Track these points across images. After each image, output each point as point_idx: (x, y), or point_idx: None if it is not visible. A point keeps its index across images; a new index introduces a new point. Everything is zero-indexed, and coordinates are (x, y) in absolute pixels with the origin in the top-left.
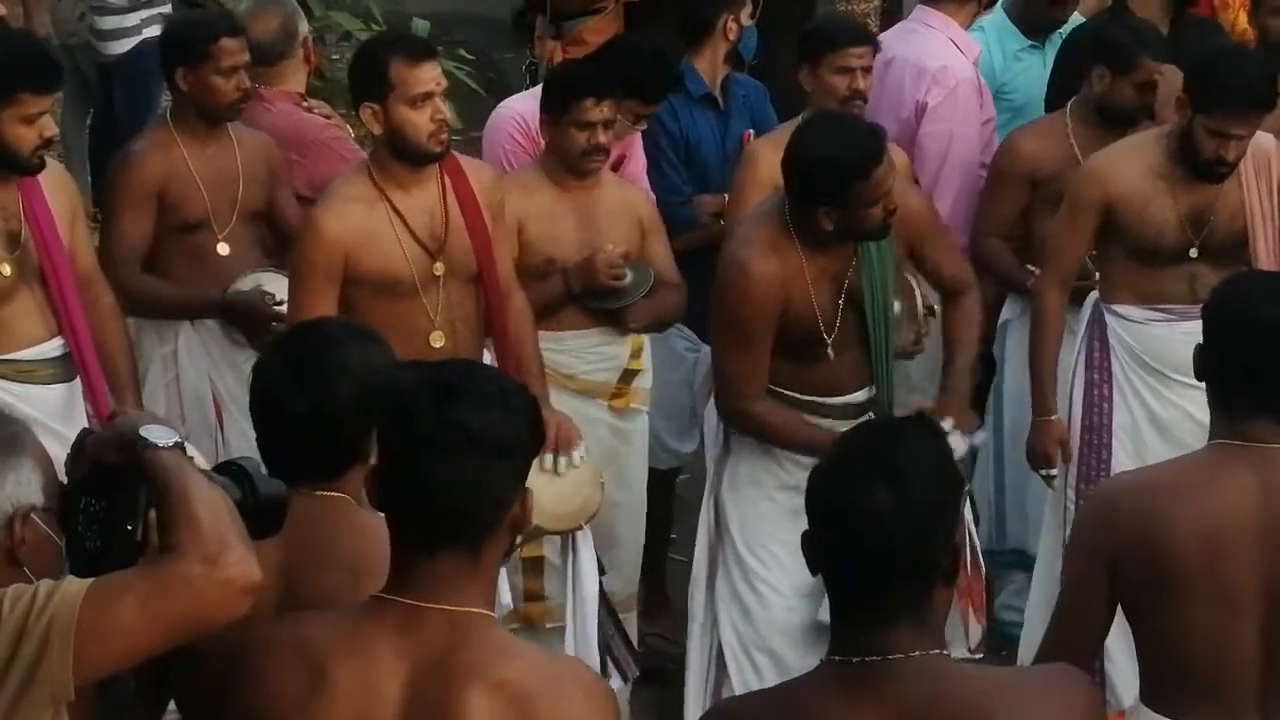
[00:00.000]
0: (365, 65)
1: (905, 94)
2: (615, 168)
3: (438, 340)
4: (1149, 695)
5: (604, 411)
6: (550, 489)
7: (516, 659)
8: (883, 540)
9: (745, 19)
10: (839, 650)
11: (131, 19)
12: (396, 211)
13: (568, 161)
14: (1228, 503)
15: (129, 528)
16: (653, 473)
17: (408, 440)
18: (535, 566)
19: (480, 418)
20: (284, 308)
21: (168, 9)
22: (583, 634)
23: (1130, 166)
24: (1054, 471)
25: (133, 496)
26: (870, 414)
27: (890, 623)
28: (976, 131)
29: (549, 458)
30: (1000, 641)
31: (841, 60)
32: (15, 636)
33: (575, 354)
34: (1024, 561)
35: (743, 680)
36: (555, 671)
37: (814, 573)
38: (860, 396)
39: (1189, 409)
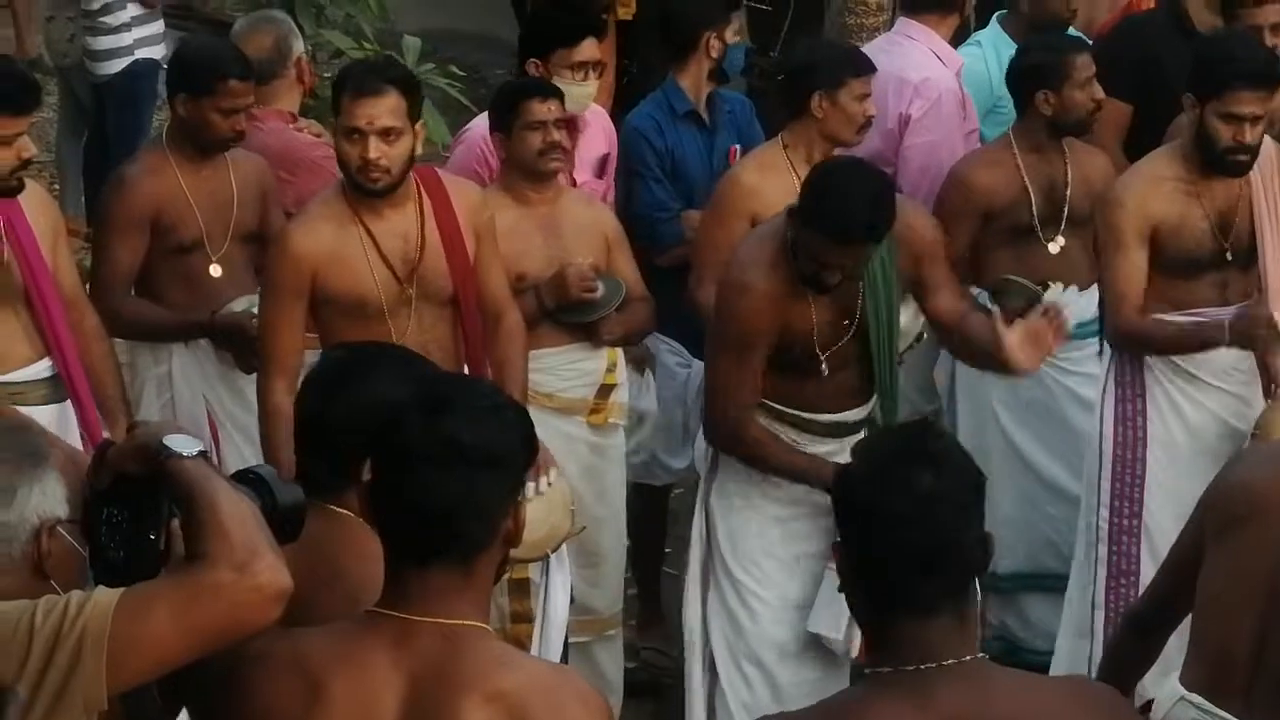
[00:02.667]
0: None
1: (888, 106)
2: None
3: None
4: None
5: (583, 429)
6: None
7: (513, 669)
8: (930, 522)
9: (730, 36)
10: (883, 659)
11: (125, 39)
12: (369, 233)
13: (528, 167)
14: None
15: (152, 537)
16: (646, 488)
17: (397, 453)
18: (521, 588)
19: (469, 431)
20: None
21: (161, 29)
22: (548, 656)
23: (1160, 187)
24: None
25: (155, 506)
26: (862, 432)
27: (932, 619)
28: (960, 143)
29: None
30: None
31: (862, 88)
32: (48, 647)
33: (553, 371)
34: (1033, 584)
35: (734, 692)
36: (552, 681)
37: (844, 586)
38: (852, 415)
39: (1219, 412)
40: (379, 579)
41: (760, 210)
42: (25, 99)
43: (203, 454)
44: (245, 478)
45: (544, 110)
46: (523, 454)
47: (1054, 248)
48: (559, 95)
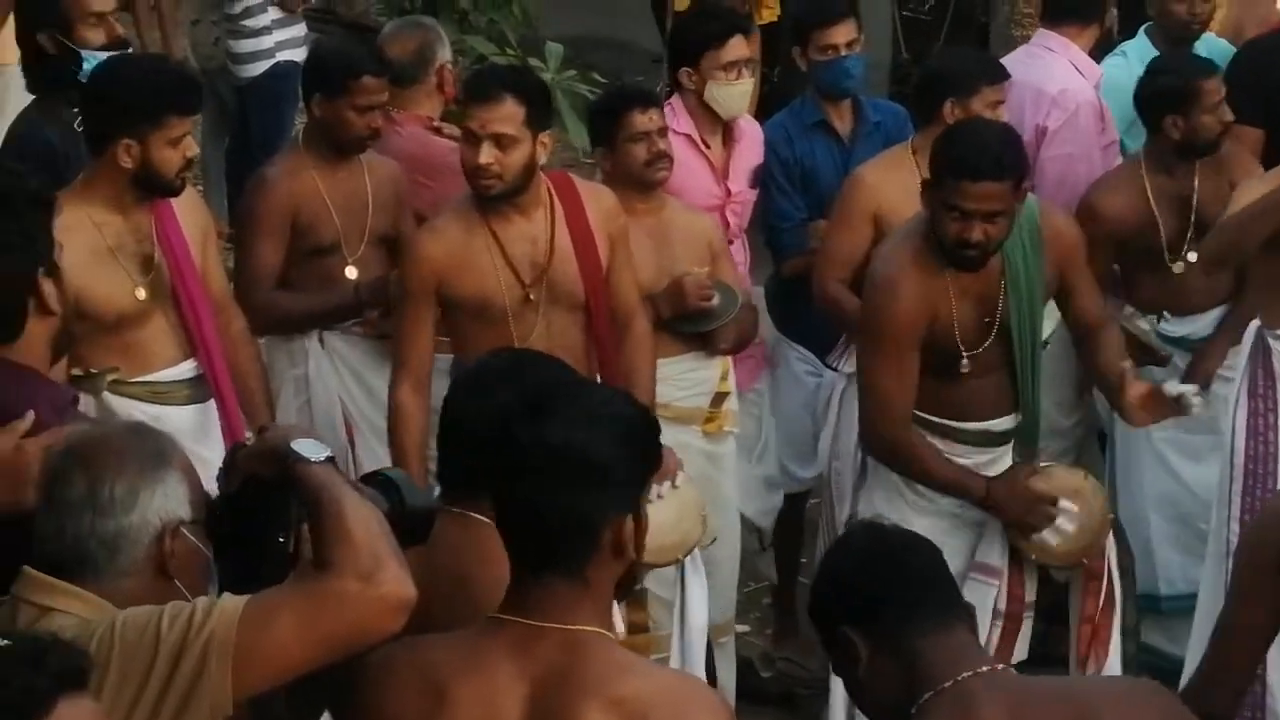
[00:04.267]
0: None
1: (1025, 117)
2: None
3: None
4: None
5: (697, 437)
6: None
7: (636, 676)
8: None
9: (843, 40)
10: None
11: (267, 42)
12: (495, 237)
13: (635, 179)
14: None
15: (280, 540)
16: (785, 497)
17: (506, 460)
18: (637, 599)
19: (572, 439)
20: None
21: (302, 32)
22: (691, 666)
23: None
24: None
25: (284, 509)
26: (1011, 443)
27: (953, 631)
28: (1098, 155)
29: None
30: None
31: (995, 95)
32: (175, 654)
33: (668, 380)
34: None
35: None
36: (676, 689)
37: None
38: (1001, 424)
39: None
40: (504, 585)
41: (884, 208)
42: (192, 100)
43: (331, 459)
44: (375, 480)
45: (646, 121)
46: (636, 464)
47: (1178, 268)
48: (659, 103)
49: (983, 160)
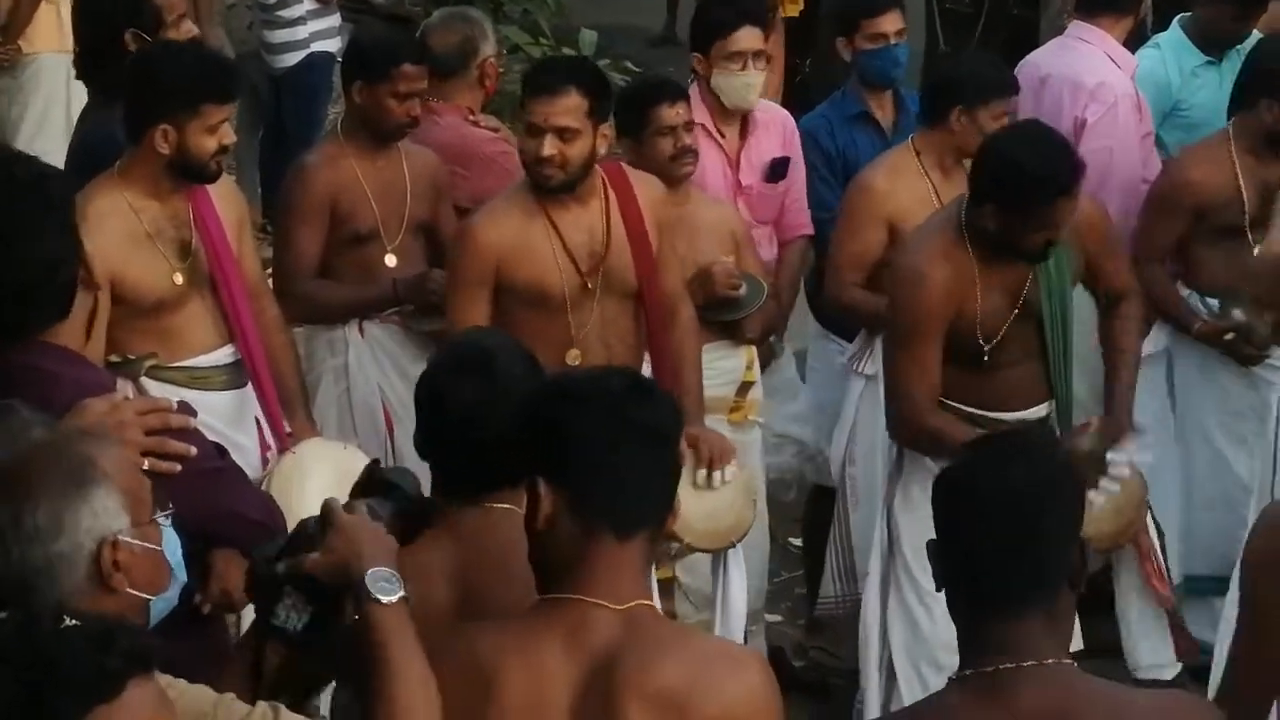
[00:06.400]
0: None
1: (1063, 111)
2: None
3: (573, 357)
4: None
5: (723, 427)
6: (701, 506)
7: (683, 650)
8: (1016, 513)
9: (891, 28)
10: (969, 662)
11: (301, 32)
12: (554, 226)
13: (659, 172)
14: None
15: (324, 632)
16: (816, 489)
17: (621, 429)
18: (666, 589)
19: (663, 412)
20: None
21: (337, 22)
22: None
23: None
24: None
25: (338, 610)
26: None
27: (1018, 619)
28: (1136, 147)
29: (702, 473)
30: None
31: (1003, 109)
32: None
33: None
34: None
35: (911, 694)
36: (724, 658)
37: (939, 587)
38: (1034, 413)
39: None
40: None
41: (896, 215)
42: (230, 88)
43: (404, 599)
44: (375, 481)
45: (673, 115)
46: (679, 436)
47: (1259, 250)
48: (686, 97)
49: (1068, 179)
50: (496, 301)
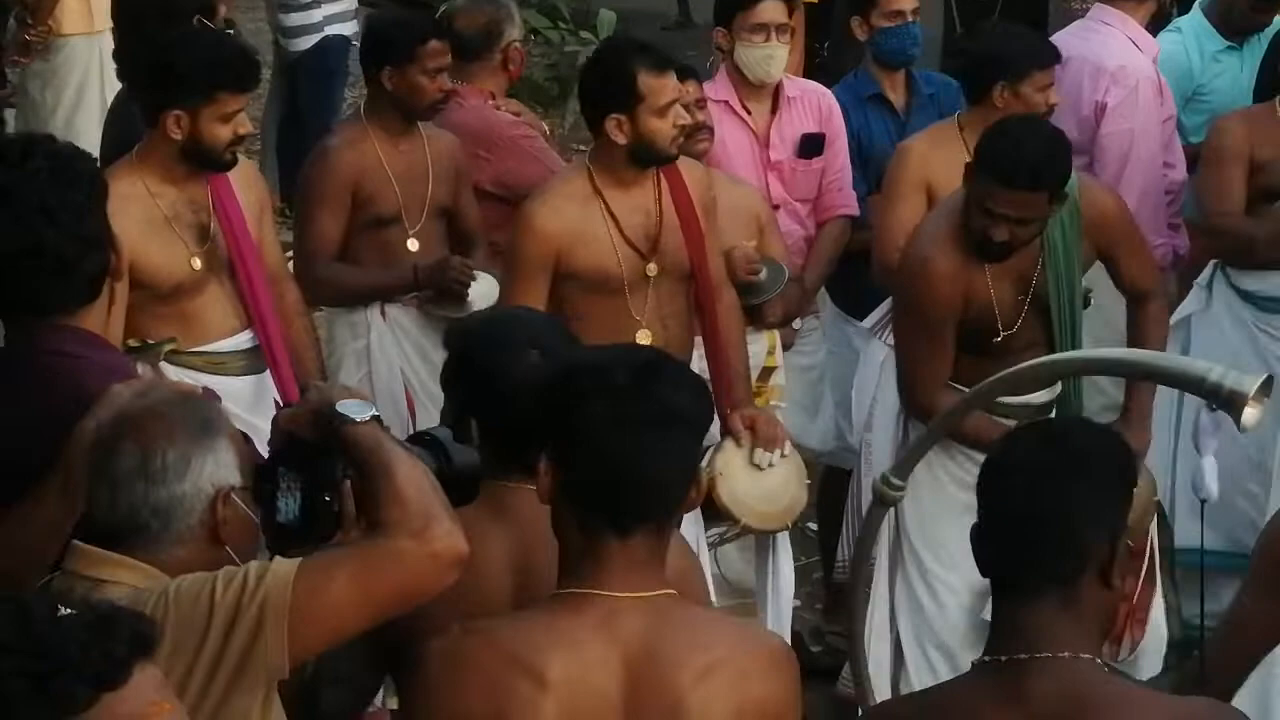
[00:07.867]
0: (610, 76)
1: (1084, 94)
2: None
3: (644, 338)
4: None
5: None
6: (759, 487)
7: (722, 634)
8: (1033, 491)
9: (882, 19)
10: (989, 648)
11: (315, 16)
12: (610, 211)
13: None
14: None
15: (326, 499)
16: (834, 473)
17: (616, 416)
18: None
19: (678, 395)
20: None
21: (352, 6)
22: (779, 628)
23: None
24: None
25: (329, 469)
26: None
27: (1031, 604)
28: (1158, 130)
29: (759, 452)
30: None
31: (1045, 79)
32: (229, 619)
33: None
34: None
35: (919, 676)
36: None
37: (983, 573)
38: (1041, 398)
39: None
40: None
41: (934, 179)
42: (248, 77)
43: (376, 418)
44: (421, 439)
45: (683, 92)
46: (709, 421)
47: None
48: (695, 75)
49: (1019, 170)
50: (554, 288)
